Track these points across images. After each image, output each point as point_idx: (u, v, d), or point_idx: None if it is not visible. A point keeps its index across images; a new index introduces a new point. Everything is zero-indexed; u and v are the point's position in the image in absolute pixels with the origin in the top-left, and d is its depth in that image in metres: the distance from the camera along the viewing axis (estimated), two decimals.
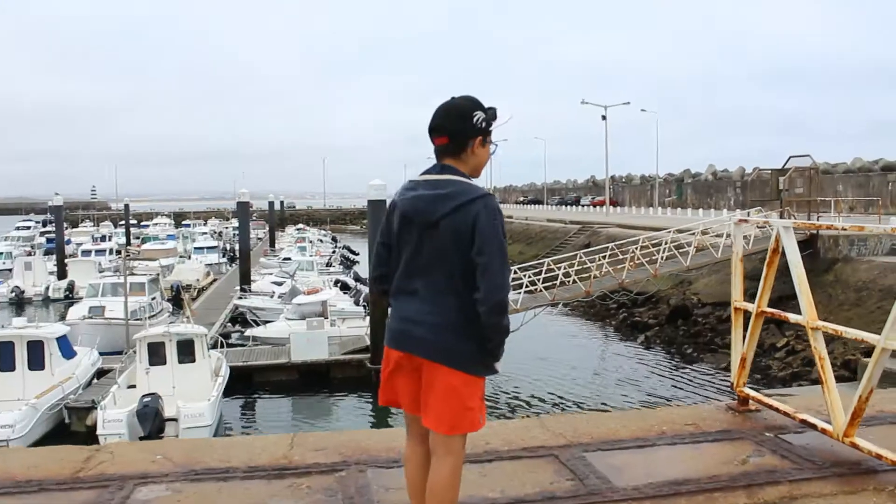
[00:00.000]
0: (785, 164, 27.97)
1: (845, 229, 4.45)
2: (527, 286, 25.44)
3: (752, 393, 4.98)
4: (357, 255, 63.65)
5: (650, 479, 3.79)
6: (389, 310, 3.08)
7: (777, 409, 4.66)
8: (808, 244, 24.96)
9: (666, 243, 26.34)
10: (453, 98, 3.00)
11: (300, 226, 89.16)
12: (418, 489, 3.04)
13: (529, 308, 24.37)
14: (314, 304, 28.50)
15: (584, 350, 28.52)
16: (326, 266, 49.81)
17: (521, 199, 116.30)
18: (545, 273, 25.46)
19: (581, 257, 26.38)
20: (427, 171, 3.01)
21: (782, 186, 26.75)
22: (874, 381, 3.87)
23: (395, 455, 4.04)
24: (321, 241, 72.79)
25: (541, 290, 25.27)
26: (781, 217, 26.46)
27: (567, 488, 3.70)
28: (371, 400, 22.07)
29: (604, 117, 61.62)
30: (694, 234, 27.40)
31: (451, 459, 2.92)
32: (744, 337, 4.97)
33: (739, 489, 3.71)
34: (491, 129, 2.99)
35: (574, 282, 25.84)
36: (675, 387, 22.10)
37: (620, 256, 26.29)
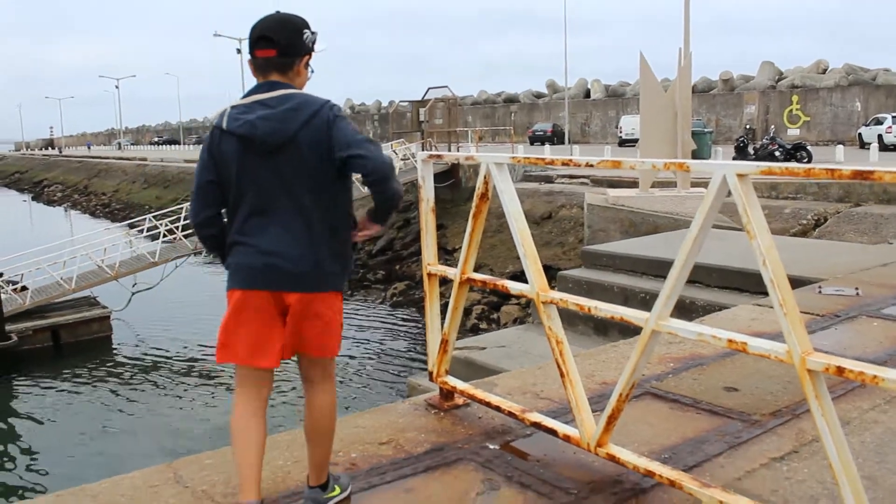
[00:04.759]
0: (424, 96, 28.11)
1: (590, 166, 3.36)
2: (165, 235, 22.84)
3: (459, 384, 3.81)
4: None
5: None
6: (236, 249, 2.70)
7: (498, 408, 3.51)
8: (450, 174, 25.32)
9: None
10: (280, 11, 2.74)
11: None
12: (257, 456, 2.63)
13: (170, 259, 21.89)
14: None
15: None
16: None
17: (156, 139, 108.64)
18: (185, 219, 22.94)
19: None
20: (253, 92, 2.72)
21: (423, 118, 26.80)
22: (638, 374, 2.83)
23: None
24: None
25: (181, 239, 22.77)
26: (424, 148, 26.62)
27: None
28: None
29: (238, 50, 58.45)
30: None
31: (332, 384, 2.80)
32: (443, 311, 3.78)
33: None
34: (313, 52, 2.78)
35: None
36: None
37: None
